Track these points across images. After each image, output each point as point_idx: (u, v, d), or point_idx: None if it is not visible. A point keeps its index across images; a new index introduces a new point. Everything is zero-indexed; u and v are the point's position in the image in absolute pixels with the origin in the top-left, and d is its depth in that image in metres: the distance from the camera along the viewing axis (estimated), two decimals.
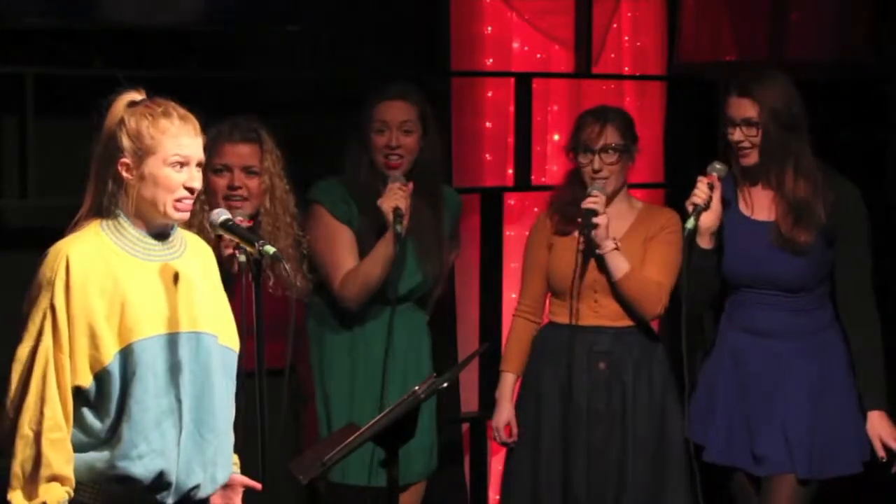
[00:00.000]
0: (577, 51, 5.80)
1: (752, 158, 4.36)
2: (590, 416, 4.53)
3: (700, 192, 4.32)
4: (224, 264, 3.56)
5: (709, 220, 4.34)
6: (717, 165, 4.37)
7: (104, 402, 3.16)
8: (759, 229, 4.39)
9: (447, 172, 5.14)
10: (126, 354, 3.15)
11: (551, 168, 5.75)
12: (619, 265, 4.48)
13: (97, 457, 3.17)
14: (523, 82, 5.59)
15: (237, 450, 3.41)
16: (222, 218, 3.31)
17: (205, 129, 3.28)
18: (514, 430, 4.64)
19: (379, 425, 3.73)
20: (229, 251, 3.73)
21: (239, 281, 3.36)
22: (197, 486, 3.27)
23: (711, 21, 5.86)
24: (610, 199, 4.55)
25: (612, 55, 5.89)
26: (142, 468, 3.17)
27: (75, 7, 4.53)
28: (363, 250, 4.51)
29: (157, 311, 3.20)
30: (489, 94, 5.66)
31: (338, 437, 3.89)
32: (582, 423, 4.53)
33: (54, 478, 3.11)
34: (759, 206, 4.43)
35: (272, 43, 5.07)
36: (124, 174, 3.20)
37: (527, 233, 4.85)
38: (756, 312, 4.43)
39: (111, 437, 3.17)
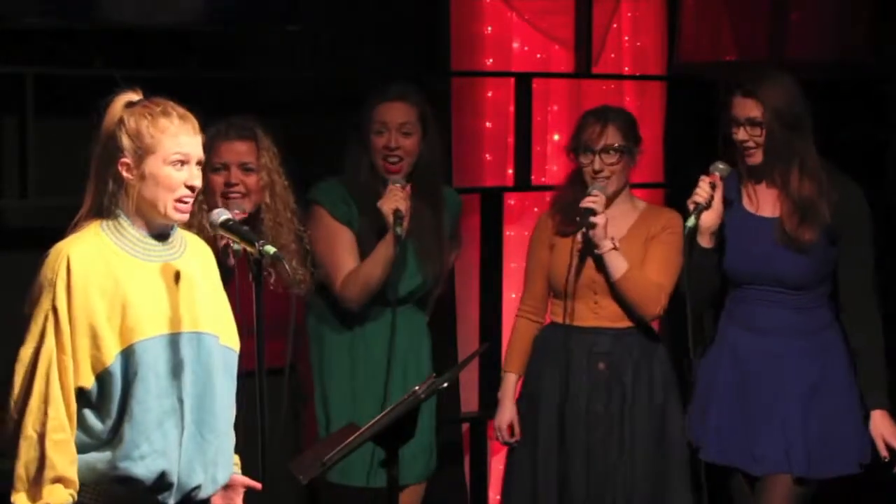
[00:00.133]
0: (577, 51, 5.80)
1: (756, 158, 4.37)
2: (589, 417, 4.53)
3: (702, 190, 4.33)
4: (220, 256, 3.56)
5: (710, 219, 4.34)
6: (720, 165, 4.37)
7: (106, 402, 3.16)
8: (764, 226, 4.40)
9: (447, 173, 5.14)
10: (128, 355, 3.15)
11: (551, 168, 5.75)
12: (618, 265, 4.48)
13: (99, 458, 3.17)
14: (523, 82, 5.59)
15: (237, 450, 3.41)
16: (222, 218, 3.31)
17: (204, 129, 3.29)
18: (517, 430, 4.64)
19: (379, 425, 3.73)
20: (224, 242, 3.74)
21: (235, 275, 3.36)
22: (198, 487, 3.26)
23: (711, 21, 5.86)
24: (612, 200, 4.55)
25: (612, 55, 5.89)
26: (144, 469, 3.17)
27: (75, 7, 4.53)
28: (363, 251, 4.51)
29: (159, 312, 3.20)
30: (489, 94, 5.66)
31: (338, 437, 3.89)
32: (581, 423, 4.53)
33: (58, 479, 3.10)
34: (764, 202, 4.44)
35: (272, 43, 5.07)
36: (125, 174, 3.20)
37: (527, 233, 4.86)
38: (757, 310, 4.43)
39: (113, 438, 3.17)
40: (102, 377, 3.14)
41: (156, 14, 4.66)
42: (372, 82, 4.69)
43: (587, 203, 4.43)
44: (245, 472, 3.44)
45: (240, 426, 3.41)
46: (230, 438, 3.36)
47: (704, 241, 4.37)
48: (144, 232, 3.24)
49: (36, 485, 3.10)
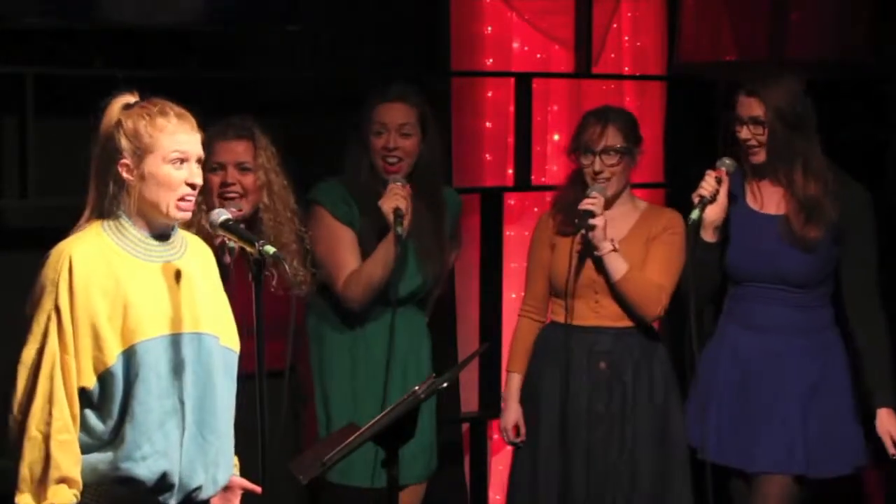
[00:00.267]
0: (577, 51, 5.80)
1: (760, 157, 4.38)
2: (590, 417, 4.52)
3: (707, 184, 4.35)
4: (217, 255, 3.56)
5: (714, 213, 4.36)
6: (727, 161, 4.40)
7: (107, 403, 3.16)
8: (768, 223, 4.41)
9: (447, 173, 5.13)
10: (129, 355, 3.14)
11: (551, 168, 5.75)
12: (618, 267, 4.48)
13: (100, 458, 3.17)
14: (523, 82, 5.59)
15: (237, 451, 3.40)
16: (222, 218, 3.31)
17: (204, 129, 3.29)
18: (523, 430, 4.64)
19: (379, 425, 3.73)
20: (220, 240, 3.73)
21: (232, 274, 3.35)
22: (199, 488, 3.26)
23: (711, 21, 5.86)
24: (612, 201, 4.55)
25: (612, 55, 5.89)
26: (145, 469, 3.17)
27: (75, 7, 4.52)
28: (364, 251, 4.50)
29: (160, 312, 3.20)
30: (489, 94, 5.65)
31: (338, 437, 3.88)
32: (581, 423, 4.53)
33: (63, 480, 3.10)
34: (769, 200, 4.45)
35: (272, 43, 5.07)
36: (125, 175, 3.20)
37: (527, 233, 4.85)
38: (756, 307, 4.43)
39: (114, 439, 3.16)
40: (104, 378, 3.14)
41: (156, 14, 4.65)
42: (372, 82, 4.69)
43: (586, 205, 4.43)
44: (245, 473, 3.44)
45: (239, 428, 3.40)
46: (230, 439, 3.35)
47: (708, 236, 4.39)
48: (146, 232, 3.24)
49: (41, 485, 3.10)
